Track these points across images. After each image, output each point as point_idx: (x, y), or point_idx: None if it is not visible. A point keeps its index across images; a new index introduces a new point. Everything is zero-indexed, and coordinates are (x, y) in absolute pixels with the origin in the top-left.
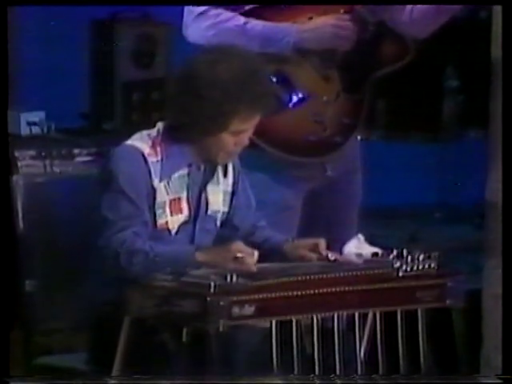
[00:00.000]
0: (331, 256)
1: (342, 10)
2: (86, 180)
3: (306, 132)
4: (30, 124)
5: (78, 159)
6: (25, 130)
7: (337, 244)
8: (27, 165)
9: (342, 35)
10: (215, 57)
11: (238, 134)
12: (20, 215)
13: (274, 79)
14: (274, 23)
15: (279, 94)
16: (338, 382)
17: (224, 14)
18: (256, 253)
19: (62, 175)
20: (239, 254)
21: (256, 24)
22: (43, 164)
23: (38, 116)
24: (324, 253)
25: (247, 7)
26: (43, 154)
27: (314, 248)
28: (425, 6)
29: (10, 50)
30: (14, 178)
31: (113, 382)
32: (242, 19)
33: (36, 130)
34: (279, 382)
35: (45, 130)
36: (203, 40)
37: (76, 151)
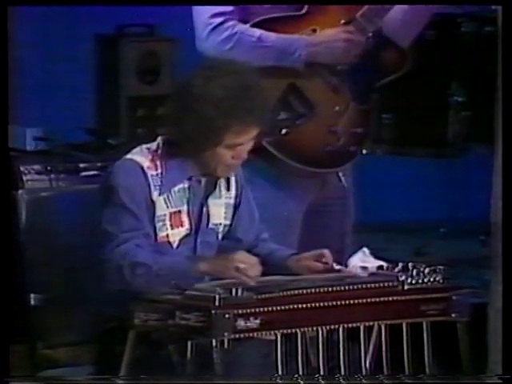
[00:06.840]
0: (336, 265)
1: (342, 21)
2: (91, 194)
3: (321, 142)
4: (35, 139)
5: (84, 174)
6: (30, 145)
7: (341, 254)
8: (32, 179)
9: (352, 49)
10: (210, 73)
11: (234, 148)
12: (25, 229)
13: (288, 92)
14: (285, 35)
15: (272, 109)
16: (343, 382)
17: (239, 25)
18: (258, 264)
19: (68, 190)
20: (241, 265)
21: (269, 35)
22: (48, 179)
23: (43, 131)
24: (330, 262)
25: (256, 20)
26: (48, 168)
27: (319, 258)
28: (402, 14)
29: (16, 65)
30: (19, 192)
31: (120, 382)
32: (257, 31)
33: (41, 144)
34: (283, 382)
35: (50, 144)
36: (220, 54)
37: (81, 166)
